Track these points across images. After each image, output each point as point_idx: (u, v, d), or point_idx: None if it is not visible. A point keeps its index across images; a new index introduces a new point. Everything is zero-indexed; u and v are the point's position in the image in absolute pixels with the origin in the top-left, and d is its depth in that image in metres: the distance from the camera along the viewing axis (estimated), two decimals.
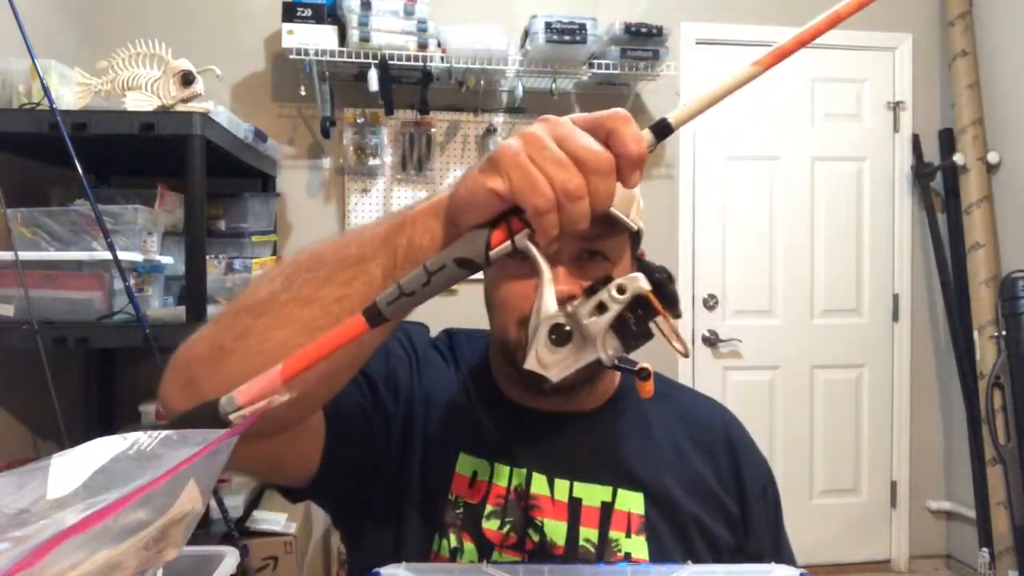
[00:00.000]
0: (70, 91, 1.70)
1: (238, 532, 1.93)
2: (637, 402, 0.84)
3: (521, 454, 0.79)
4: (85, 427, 2.33)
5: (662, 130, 0.50)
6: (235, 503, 1.83)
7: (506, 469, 0.78)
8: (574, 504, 0.77)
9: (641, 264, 0.77)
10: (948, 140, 2.93)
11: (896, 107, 3.00)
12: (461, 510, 0.77)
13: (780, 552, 0.86)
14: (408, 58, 2.40)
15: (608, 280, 0.49)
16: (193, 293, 1.63)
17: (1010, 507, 2.60)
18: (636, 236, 0.79)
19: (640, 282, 0.48)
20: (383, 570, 0.50)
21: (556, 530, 0.76)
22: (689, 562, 0.52)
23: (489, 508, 0.77)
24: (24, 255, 1.54)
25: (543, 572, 0.50)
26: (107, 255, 1.54)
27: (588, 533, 0.75)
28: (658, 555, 0.75)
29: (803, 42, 0.52)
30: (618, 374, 0.84)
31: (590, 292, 0.49)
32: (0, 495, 0.49)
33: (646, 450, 0.81)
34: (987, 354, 2.70)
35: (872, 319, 3.02)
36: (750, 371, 2.96)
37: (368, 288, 0.53)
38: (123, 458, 0.56)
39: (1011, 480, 2.59)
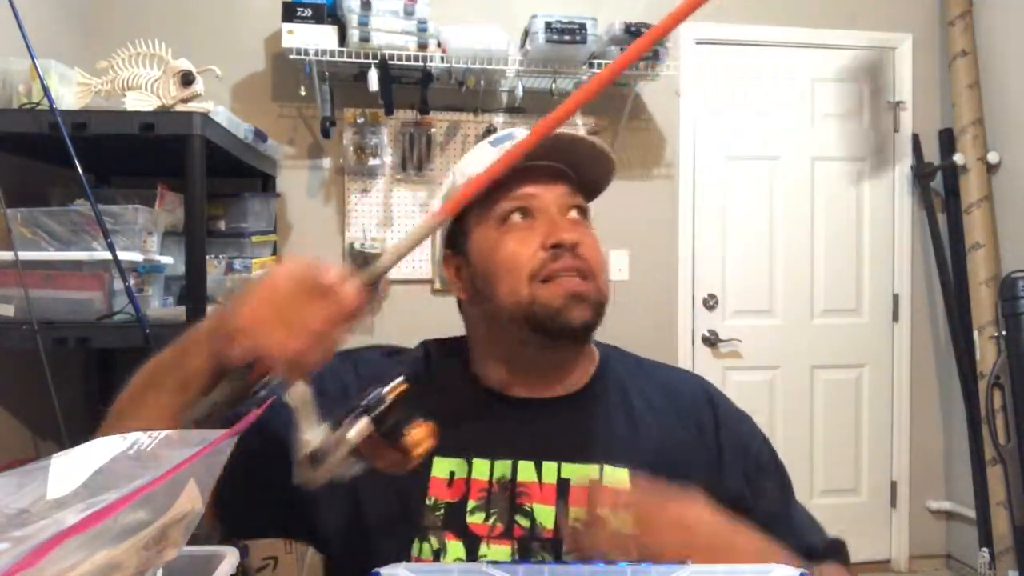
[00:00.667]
0: (70, 91, 1.70)
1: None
2: (618, 379, 0.86)
3: (504, 444, 0.80)
4: (85, 427, 2.33)
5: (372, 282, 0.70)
6: None
7: (486, 463, 0.80)
8: (563, 485, 0.78)
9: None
10: (948, 140, 2.93)
11: (896, 107, 3.00)
12: (441, 511, 0.78)
13: (788, 512, 0.93)
14: (408, 58, 2.40)
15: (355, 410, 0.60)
16: (193, 293, 1.63)
17: (1010, 507, 2.60)
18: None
19: (354, 433, 0.59)
20: (383, 570, 0.50)
21: (545, 514, 0.77)
22: (689, 562, 0.52)
23: (472, 503, 0.78)
24: (24, 255, 1.54)
25: (543, 572, 0.51)
26: (107, 255, 1.54)
27: (577, 512, 0.76)
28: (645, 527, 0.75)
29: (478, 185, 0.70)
30: (596, 355, 0.88)
31: (335, 425, 0.60)
32: (0, 495, 0.49)
33: (630, 426, 0.82)
34: (987, 354, 2.70)
35: (872, 319, 3.02)
36: (750, 371, 2.96)
37: (171, 409, 0.66)
38: (123, 458, 0.56)
39: (1011, 480, 2.58)
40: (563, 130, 0.75)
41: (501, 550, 0.76)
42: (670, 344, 2.89)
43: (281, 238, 2.61)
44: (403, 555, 0.77)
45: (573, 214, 0.82)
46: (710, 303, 2.93)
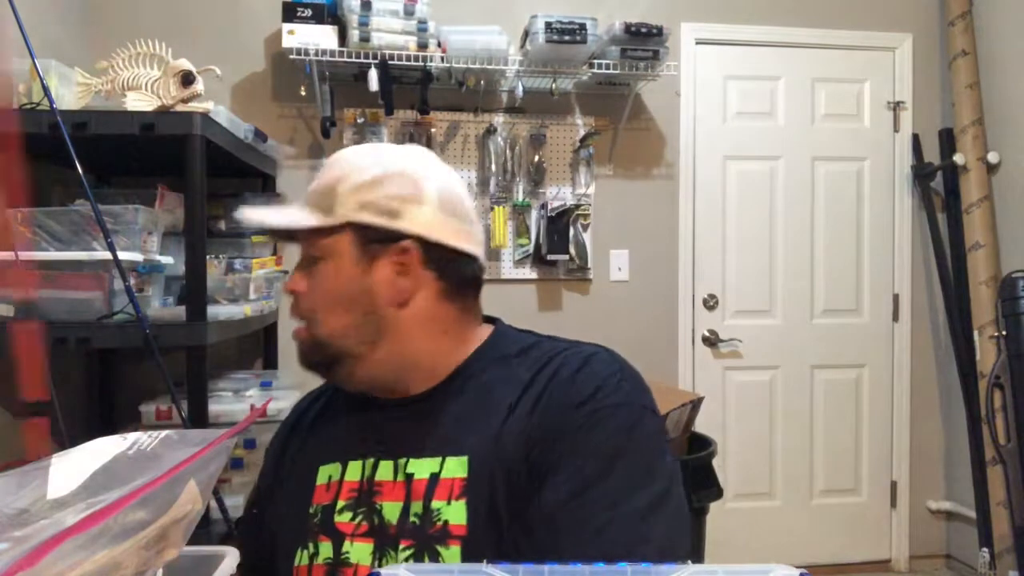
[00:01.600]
0: (70, 91, 1.70)
1: (238, 532, 1.93)
2: (484, 372, 0.83)
3: (371, 446, 0.83)
4: (85, 427, 2.33)
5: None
6: (235, 503, 1.83)
7: (357, 464, 0.83)
8: (408, 480, 0.79)
9: None
10: (948, 140, 2.93)
11: (896, 107, 3.00)
12: (319, 516, 0.82)
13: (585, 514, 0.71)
14: (408, 58, 2.40)
15: None
16: (193, 293, 1.63)
17: (1010, 507, 2.60)
18: (363, 228, 0.80)
19: None
20: (383, 570, 0.50)
21: (392, 510, 0.78)
22: (689, 562, 0.52)
23: (341, 503, 0.81)
24: (24, 255, 1.54)
25: (543, 572, 0.51)
26: (107, 255, 1.53)
27: (416, 507, 0.77)
28: (475, 521, 0.73)
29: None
30: (448, 354, 0.84)
31: None
32: (0, 495, 0.49)
33: (478, 416, 0.79)
34: (987, 354, 2.70)
35: (872, 319, 3.02)
36: (750, 371, 2.96)
37: None
38: (123, 458, 0.56)
39: (1011, 480, 2.58)
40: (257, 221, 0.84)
41: (363, 547, 0.78)
42: (670, 344, 2.89)
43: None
44: (290, 565, 0.82)
45: (308, 263, 0.84)
46: (710, 303, 2.93)
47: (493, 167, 2.70)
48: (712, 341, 2.92)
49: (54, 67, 1.67)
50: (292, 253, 2.62)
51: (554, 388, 0.77)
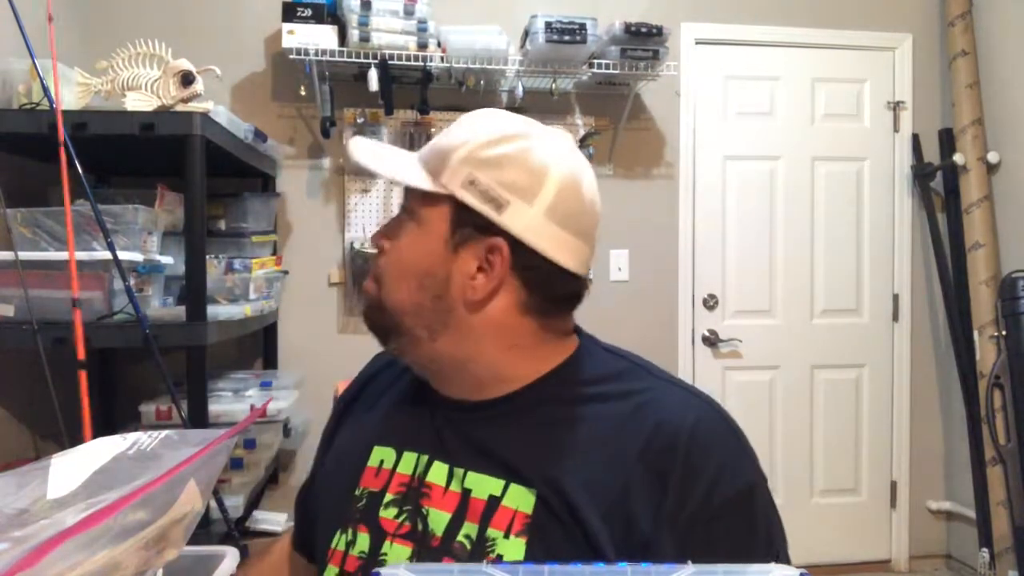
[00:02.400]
0: (70, 91, 1.70)
1: (238, 532, 1.93)
2: (572, 393, 0.75)
3: (428, 442, 0.77)
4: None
5: None
6: (235, 503, 1.83)
7: (412, 457, 0.77)
8: (464, 495, 0.72)
9: None
10: (948, 140, 2.93)
11: (896, 107, 3.00)
12: (364, 501, 0.77)
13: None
14: (408, 58, 2.40)
15: None
16: (193, 293, 1.63)
17: (1010, 507, 2.60)
18: (462, 207, 0.72)
19: None
20: (383, 570, 0.50)
21: (438, 520, 0.72)
22: (689, 562, 0.52)
23: (389, 496, 0.76)
24: (24, 255, 1.54)
25: (543, 572, 0.51)
26: (107, 255, 1.53)
27: (469, 528, 0.70)
28: (540, 558, 0.66)
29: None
30: (509, 370, 0.75)
31: None
32: (0, 495, 0.49)
33: (553, 446, 0.71)
34: (987, 354, 2.70)
35: (872, 319, 3.02)
36: (750, 371, 2.96)
37: None
38: (123, 458, 0.56)
39: (1011, 480, 2.58)
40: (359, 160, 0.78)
41: (402, 551, 0.73)
42: (670, 344, 2.89)
43: (281, 238, 2.61)
44: (327, 544, 0.78)
45: (404, 217, 0.78)
46: (710, 303, 2.93)
47: None
48: (712, 341, 2.92)
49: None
50: (293, 253, 2.62)
51: (661, 457, 0.68)
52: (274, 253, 2.45)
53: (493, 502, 0.70)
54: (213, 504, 1.71)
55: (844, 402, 3.02)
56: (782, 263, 2.97)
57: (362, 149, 0.79)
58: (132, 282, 1.57)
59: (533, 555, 0.67)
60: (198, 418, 1.62)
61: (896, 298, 3.03)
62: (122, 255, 1.56)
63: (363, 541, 0.75)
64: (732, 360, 2.94)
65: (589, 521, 0.66)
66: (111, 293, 1.61)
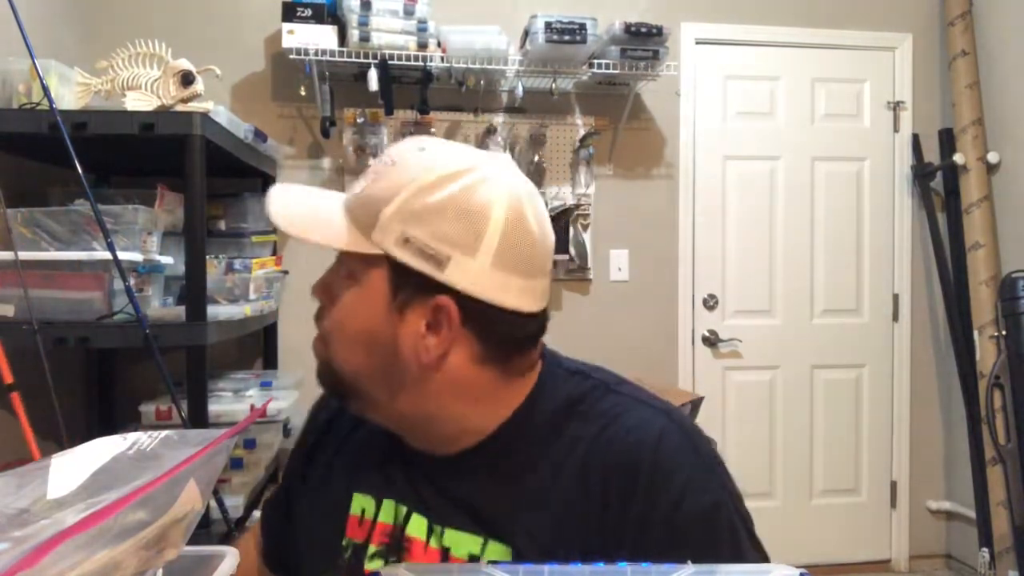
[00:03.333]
0: (70, 91, 1.70)
1: (238, 532, 1.93)
2: (534, 434, 0.72)
3: (404, 492, 0.75)
4: (85, 427, 2.33)
5: None
6: (235, 503, 1.83)
7: (390, 506, 0.75)
8: (444, 553, 0.71)
9: None
10: (948, 140, 2.93)
11: (896, 107, 3.00)
12: (349, 552, 0.75)
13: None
14: (408, 58, 2.40)
15: None
16: (193, 293, 1.63)
17: (1010, 507, 2.60)
18: (400, 267, 0.67)
19: None
20: (383, 570, 0.50)
21: None
22: (689, 562, 0.52)
23: (372, 548, 0.74)
24: (24, 255, 1.54)
25: (543, 572, 0.51)
26: (107, 255, 1.53)
27: None
28: None
29: None
30: (473, 423, 0.72)
31: None
32: (0, 495, 0.49)
33: (522, 496, 0.70)
34: (987, 354, 2.70)
35: (872, 319, 3.02)
36: (750, 371, 2.96)
37: None
38: (123, 458, 0.56)
39: (1011, 480, 2.58)
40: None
41: None
42: (670, 344, 2.89)
43: (281, 238, 2.61)
44: None
45: (338, 266, 0.74)
46: (710, 303, 2.93)
47: None
48: (712, 341, 2.91)
49: (54, 67, 1.67)
50: (293, 253, 2.62)
51: (625, 483, 0.67)
52: (274, 253, 2.45)
53: (473, 561, 0.69)
54: (213, 504, 1.71)
55: (844, 402, 3.02)
56: (782, 263, 2.97)
57: (278, 205, 0.72)
58: (132, 282, 1.57)
59: None
60: (198, 418, 1.62)
61: (896, 298, 3.03)
62: (122, 255, 1.55)
63: None
64: (732, 360, 2.94)
65: (567, 559, 0.64)
66: (111, 293, 1.61)
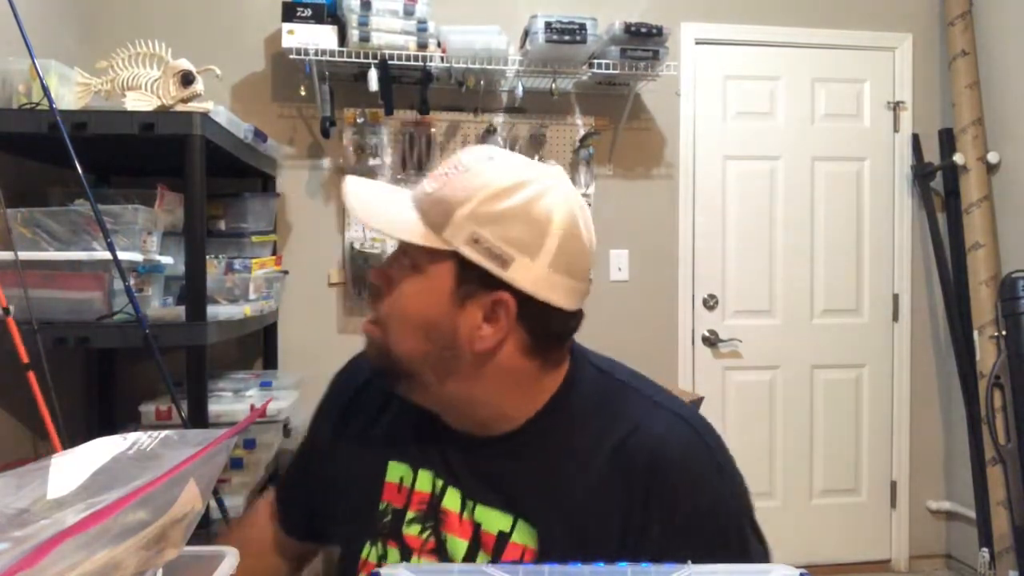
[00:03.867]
0: (70, 91, 1.70)
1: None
2: (566, 425, 0.79)
3: (440, 465, 0.81)
4: (85, 427, 2.33)
5: None
6: (235, 503, 1.83)
7: (427, 476, 0.81)
8: (476, 527, 0.77)
9: None
10: (948, 140, 2.93)
11: (896, 107, 3.00)
12: (389, 517, 0.82)
13: None
14: (408, 58, 2.40)
15: None
16: (193, 293, 1.63)
17: (1010, 507, 2.60)
18: (467, 264, 0.73)
19: None
20: (383, 570, 0.50)
21: (456, 547, 0.78)
22: (689, 562, 0.52)
23: (411, 514, 0.81)
24: (24, 255, 1.54)
25: (543, 572, 0.51)
26: (107, 255, 1.53)
27: (483, 559, 0.76)
28: None
29: None
30: (521, 404, 0.79)
31: None
32: (0, 495, 0.49)
33: (551, 482, 0.76)
34: (987, 354, 2.70)
35: (872, 319, 3.02)
36: (750, 371, 2.96)
37: None
38: (123, 458, 0.56)
39: (1011, 480, 2.58)
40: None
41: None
42: (670, 344, 2.89)
43: (281, 238, 2.61)
44: (357, 553, 0.83)
45: (400, 256, 0.78)
46: (710, 303, 2.93)
47: None
48: (712, 341, 2.91)
49: (54, 67, 1.67)
50: (293, 253, 2.62)
51: (649, 478, 0.74)
52: (274, 253, 2.45)
53: (503, 538, 0.76)
54: (213, 504, 1.71)
55: (844, 402, 3.02)
56: (782, 263, 2.97)
57: (354, 196, 0.78)
58: (132, 282, 1.57)
59: None
60: (198, 418, 1.62)
61: (896, 298, 3.03)
62: (122, 255, 1.55)
63: (393, 555, 0.80)
64: (732, 360, 2.94)
65: (589, 547, 0.71)
66: (111, 293, 1.60)
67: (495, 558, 0.75)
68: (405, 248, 0.76)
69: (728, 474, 0.78)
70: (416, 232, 0.73)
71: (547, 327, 0.76)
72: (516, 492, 0.77)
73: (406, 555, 0.79)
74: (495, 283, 0.73)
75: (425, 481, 0.81)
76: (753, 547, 0.77)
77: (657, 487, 0.73)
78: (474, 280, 0.73)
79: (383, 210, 0.78)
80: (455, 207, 0.72)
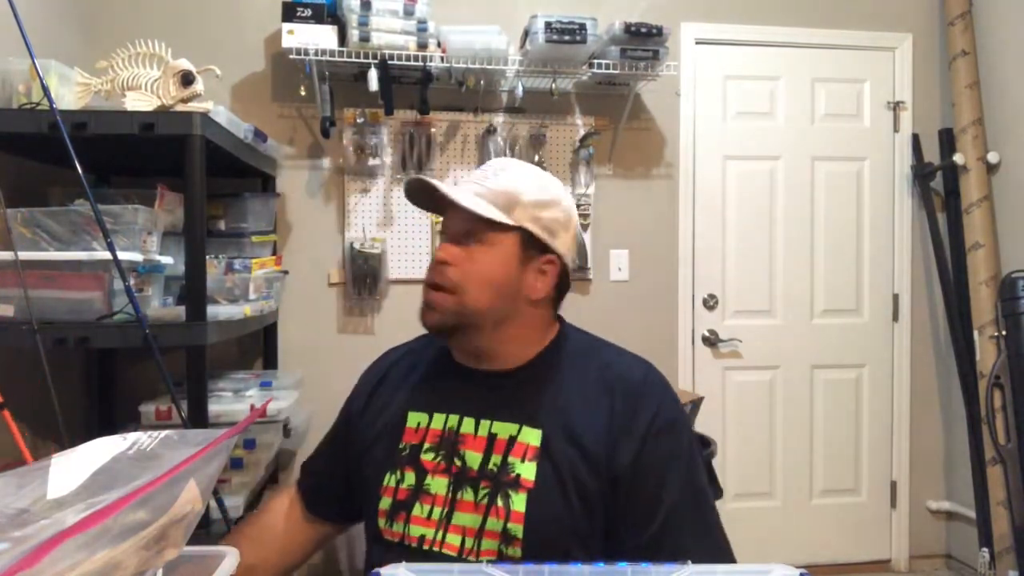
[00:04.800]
0: (70, 91, 1.69)
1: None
2: (560, 360, 1.06)
3: (456, 404, 1.05)
4: (85, 427, 2.33)
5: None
6: (235, 503, 1.83)
7: (442, 417, 1.05)
8: (491, 438, 1.01)
9: None
10: (948, 140, 2.93)
11: (896, 107, 3.00)
12: (407, 451, 1.05)
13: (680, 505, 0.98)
14: (408, 58, 2.40)
15: None
16: (193, 293, 1.63)
17: (1010, 507, 2.60)
18: (529, 235, 1.03)
19: None
20: (383, 570, 0.50)
21: (473, 458, 1.00)
22: (689, 562, 0.52)
23: (427, 445, 1.04)
24: (24, 255, 1.54)
25: (543, 572, 0.51)
26: (107, 255, 1.53)
27: (496, 459, 0.99)
28: (542, 479, 0.96)
29: None
30: (535, 343, 1.07)
31: None
32: (0, 495, 0.49)
33: (553, 397, 1.02)
34: (987, 354, 2.70)
35: (872, 319, 3.02)
36: (750, 371, 2.96)
37: None
38: (123, 458, 0.56)
39: (1011, 480, 2.58)
40: (438, 185, 1.02)
41: (441, 482, 1.00)
42: (670, 344, 2.89)
43: (281, 238, 2.61)
44: (379, 483, 1.04)
45: (464, 238, 1.03)
46: (710, 303, 2.93)
47: None
48: (712, 341, 2.91)
49: (54, 67, 1.67)
50: (293, 253, 2.62)
51: (624, 394, 1.01)
52: (274, 253, 2.45)
53: (512, 440, 1.00)
54: (213, 504, 1.71)
55: (844, 402, 3.02)
56: (782, 263, 2.97)
57: (447, 186, 1.02)
58: (132, 282, 1.57)
59: (542, 472, 0.96)
60: (198, 418, 1.62)
61: (896, 298, 3.03)
62: (122, 255, 1.55)
63: (409, 477, 1.02)
64: (732, 360, 2.94)
65: (581, 443, 0.97)
66: (111, 293, 1.60)
67: (505, 455, 0.98)
68: (473, 229, 1.01)
69: (681, 404, 1.08)
70: (497, 214, 1.00)
71: (564, 282, 1.08)
72: (523, 406, 1.01)
73: (421, 476, 1.01)
74: (547, 249, 1.04)
75: (439, 421, 1.04)
76: (696, 455, 1.03)
77: (636, 404, 1.00)
78: (533, 247, 1.03)
79: (459, 191, 1.02)
80: (518, 196, 1.02)
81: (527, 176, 1.05)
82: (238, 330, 1.97)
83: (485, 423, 1.01)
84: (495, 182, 1.02)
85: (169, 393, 1.66)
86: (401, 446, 1.05)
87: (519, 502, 0.94)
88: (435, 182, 1.02)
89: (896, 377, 3.03)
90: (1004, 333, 2.62)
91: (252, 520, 1.23)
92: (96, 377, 2.40)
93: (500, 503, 0.95)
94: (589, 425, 0.98)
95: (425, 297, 1.04)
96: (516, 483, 0.96)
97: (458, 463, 1.00)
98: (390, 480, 1.03)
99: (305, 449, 2.59)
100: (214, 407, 1.88)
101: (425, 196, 1.06)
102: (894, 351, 3.03)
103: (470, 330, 1.03)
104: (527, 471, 0.96)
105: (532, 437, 0.98)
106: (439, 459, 1.01)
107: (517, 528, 0.93)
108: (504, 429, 1.00)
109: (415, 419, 1.06)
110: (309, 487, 1.20)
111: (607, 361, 1.06)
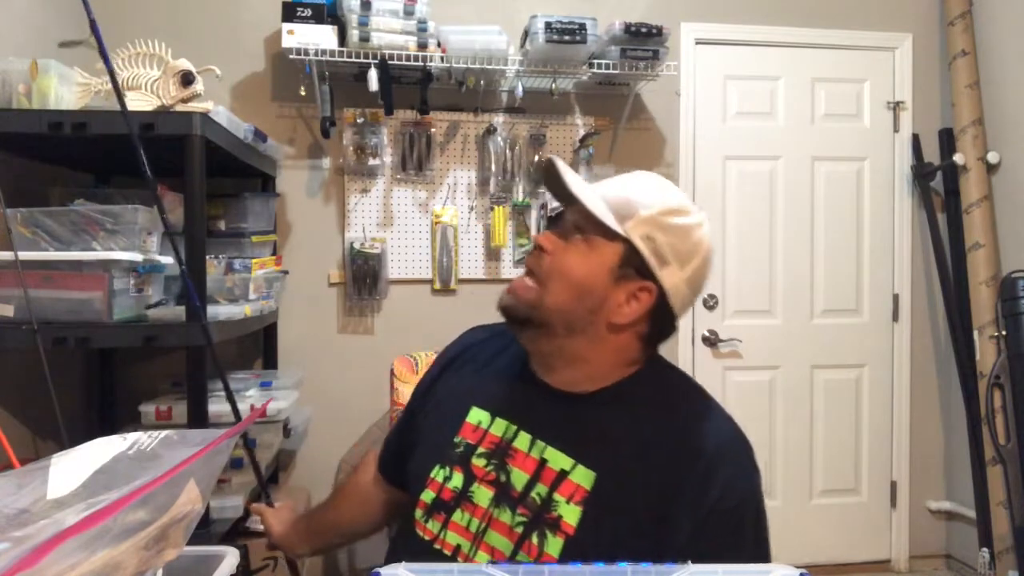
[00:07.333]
0: (70, 91, 1.70)
1: (238, 532, 1.93)
2: (637, 399, 0.95)
3: (518, 413, 0.98)
4: (85, 427, 2.33)
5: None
6: (235, 503, 1.83)
7: (503, 423, 0.98)
8: (541, 463, 0.93)
9: None
10: (948, 140, 2.93)
11: (896, 107, 3.00)
12: (461, 449, 0.99)
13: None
14: (408, 58, 2.40)
15: None
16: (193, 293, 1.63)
17: (1010, 507, 2.60)
18: (634, 251, 0.92)
19: None
20: (383, 570, 0.50)
21: (519, 477, 0.94)
22: (689, 562, 0.52)
23: (481, 450, 0.98)
24: (24, 255, 1.54)
25: (543, 572, 0.51)
26: (107, 255, 1.53)
27: (541, 489, 0.91)
28: (583, 530, 0.87)
29: None
30: (608, 373, 0.96)
31: None
32: (0, 495, 0.49)
33: (617, 440, 0.92)
34: (987, 354, 2.70)
35: (872, 319, 3.02)
36: (750, 371, 2.96)
37: None
38: (123, 458, 0.56)
39: (1011, 480, 2.59)
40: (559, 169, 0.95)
41: (486, 493, 0.95)
42: (670, 344, 2.86)
43: (281, 238, 2.61)
44: (426, 471, 1.00)
45: (571, 231, 0.96)
46: (710, 303, 2.93)
47: (493, 167, 2.70)
48: (712, 341, 2.91)
49: (54, 67, 1.67)
50: (295, 252, 2.62)
51: (694, 459, 0.88)
52: (274, 253, 2.45)
53: (563, 474, 0.91)
54: (213, 504, 1.71)
55: (844, 402, 3.02)
56: (782, 263, 2.97)
57: (567, 173, 0.95)
58: (132, 282, 1.57)
59: (585, 522, 0.88)
60: (198, 418, 1.62)
61: (896, 298, 3.03)
62: (122, 255, 1.55)
63: (457, 479, 0.97)
64: (732, 360, 2.94)
65: (633, 503, 0.88)
66: (111, 293, 1.60)
67: (552, 488, 0.90)
68: (582, 225, 0.94)
69: (759, 476, 0.93)
70: (608, 216, 0.92)
71: (663, 327, 0.96)
72: (583, 440, 0.92)
73: (469, 480, 0.96)
74: (648, 275, 0.92)
75: (500, 427, 0.98)
76: (764, 547, 0.90)
77: (702, 466, 0.88)
78: (633, 266, 0.92)
79: (585, 187, 0.96)
80: (639, 208, 0.92)
81: (659, 191, 0.96)
82: (238, 330, 1.97)
83: (540, 445, 0.94)
84: (624, 187, 0.96)
85: (169, 392, 1.66)
86: (457, 440, 1.00)
87: (554, 546, 0.88)
88: (562, 168, 0.96)
89: (896, 377, 3.03)
90: (1004, 333, 2.62)
91: (351, 475, 1.29)
92: (96, 377, 2.40)
93: (535, 540, 0.89)
94: (649, 484, 0.88)
95: (513, 282, 0.98)
96: (556, 525, 0.89)
97: (503, 477, 0.95)
98: (438, 474, 0.99)
99: (305, 449, 2.60)
100: (214, 407, 1.88)
101: (555, 181, 0.98)
102: (894, 351, 3.03)
103: (539, 329, 0.95)
104: (571, 515, 0.89)
105: (584, 479, 0.90)
106: (490, 468, 0.96)
107: None
108: (557, 460, 0.92)
109: (477, 416, 1.01)
110: (384, 450, 1.22)
111: (689, 413, 0.94)
